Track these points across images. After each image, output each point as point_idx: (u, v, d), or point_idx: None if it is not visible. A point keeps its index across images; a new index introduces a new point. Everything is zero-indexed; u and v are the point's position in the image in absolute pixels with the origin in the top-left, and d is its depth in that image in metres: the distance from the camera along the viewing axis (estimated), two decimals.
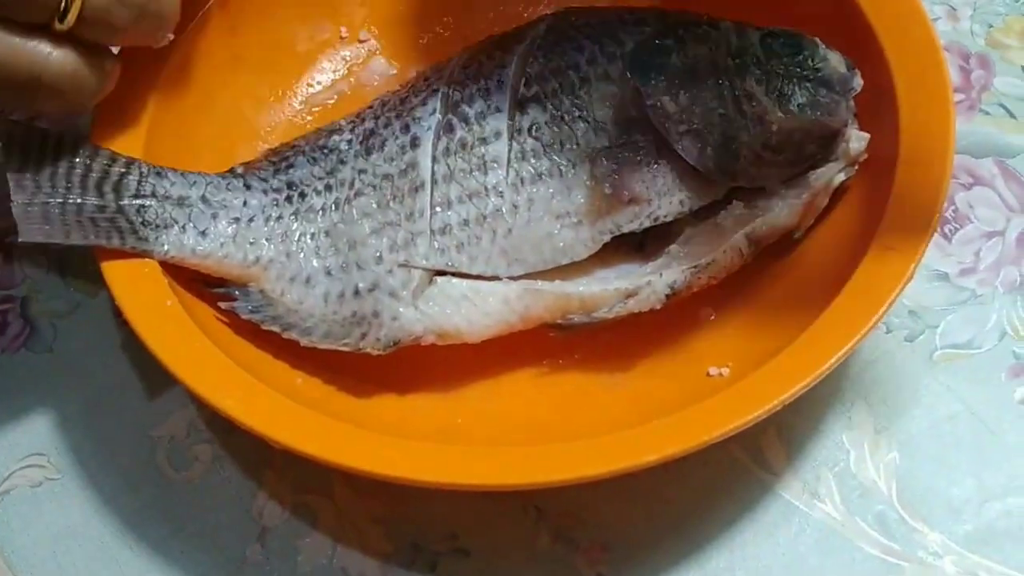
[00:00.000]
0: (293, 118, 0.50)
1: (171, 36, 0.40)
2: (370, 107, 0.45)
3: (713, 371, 0.40)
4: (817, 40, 0.43)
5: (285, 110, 0.50)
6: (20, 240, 0.38)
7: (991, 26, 0.54)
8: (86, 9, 0.36)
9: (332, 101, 0.51)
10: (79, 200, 0.40)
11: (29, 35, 0.35)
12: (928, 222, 0.38)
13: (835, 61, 0.43)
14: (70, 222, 0.39)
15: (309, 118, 0.50)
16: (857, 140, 0.42)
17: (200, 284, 0.42)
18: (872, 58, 0.43)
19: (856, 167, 0.43)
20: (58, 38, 0.36)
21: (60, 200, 0.39)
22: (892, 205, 0.39)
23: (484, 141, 0.42)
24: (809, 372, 0.36)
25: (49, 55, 0.36)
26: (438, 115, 0.43)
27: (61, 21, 0.35)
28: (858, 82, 0.43)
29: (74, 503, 0.42)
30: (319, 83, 0.51)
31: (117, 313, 0.41)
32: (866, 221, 0.40)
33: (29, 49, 0.35)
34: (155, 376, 0.44)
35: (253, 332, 0.41)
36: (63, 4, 0.35)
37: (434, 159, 0.42)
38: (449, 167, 0.42)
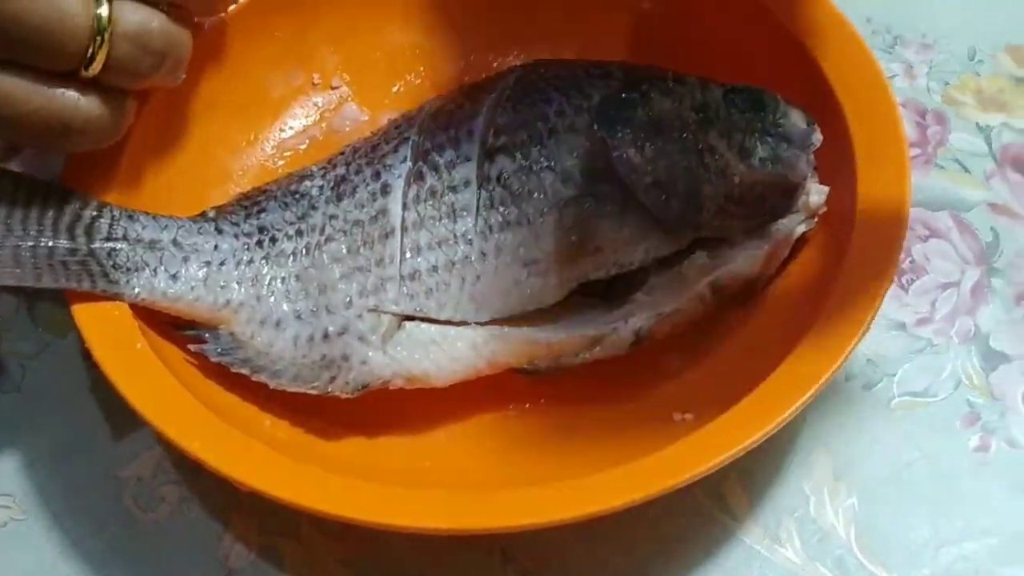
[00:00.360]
0: (265, 163, 0.50)
1: (183, 76, 0.41)
2: (342, 153, 0.46)
3: (677, 417, 0.41)
4: (778, 96, 0.44)
5: (257, 155, 0.50)
6: None
7: (947, 83, 0.55)
8: (111, 58, 0.37)
9: (304, 146, 0.51)
10: (51, 243, 0.40)
11: (58, 83, 0.37)
12: (885, 275, 0.39)
13: (796, 117, 0.44)
14: (41, 265, 0.39)
15: (281, 163, 0.50)
16: (817, 193, 0.44)
17: (170, 326, 0.42)
18: (831, 114, 0.44)
19: (816, 219, 0.44)
20: (84, 85, 0.37)
21: (32, 243, 0.39)
22: (850, 257, 0.40)
23: (454, 189, 0.42)
24: (770, 419, 0.36)
25: (78, 101, 0.37)
26: (409, 163, 0.43)
27: (87, 69, 0.37)
28: (818, 137, 0.44)
29: (40, 544, 0.42)
30: (291, 128, 0.51)
31: (86, 354, 0.41)
32: (826, 272, 0.41)
33: (60, 97, 0.37)
34: (122, 417, 0.44)
35: (222, 374, 0.41)
36: (89, 53, 0.36)
37: (404, 206, 0.42)
38: (419, 214, 0.42)
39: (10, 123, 0.37)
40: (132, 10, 0.37)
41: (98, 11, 0.36)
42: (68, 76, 0.37)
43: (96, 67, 0.37)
